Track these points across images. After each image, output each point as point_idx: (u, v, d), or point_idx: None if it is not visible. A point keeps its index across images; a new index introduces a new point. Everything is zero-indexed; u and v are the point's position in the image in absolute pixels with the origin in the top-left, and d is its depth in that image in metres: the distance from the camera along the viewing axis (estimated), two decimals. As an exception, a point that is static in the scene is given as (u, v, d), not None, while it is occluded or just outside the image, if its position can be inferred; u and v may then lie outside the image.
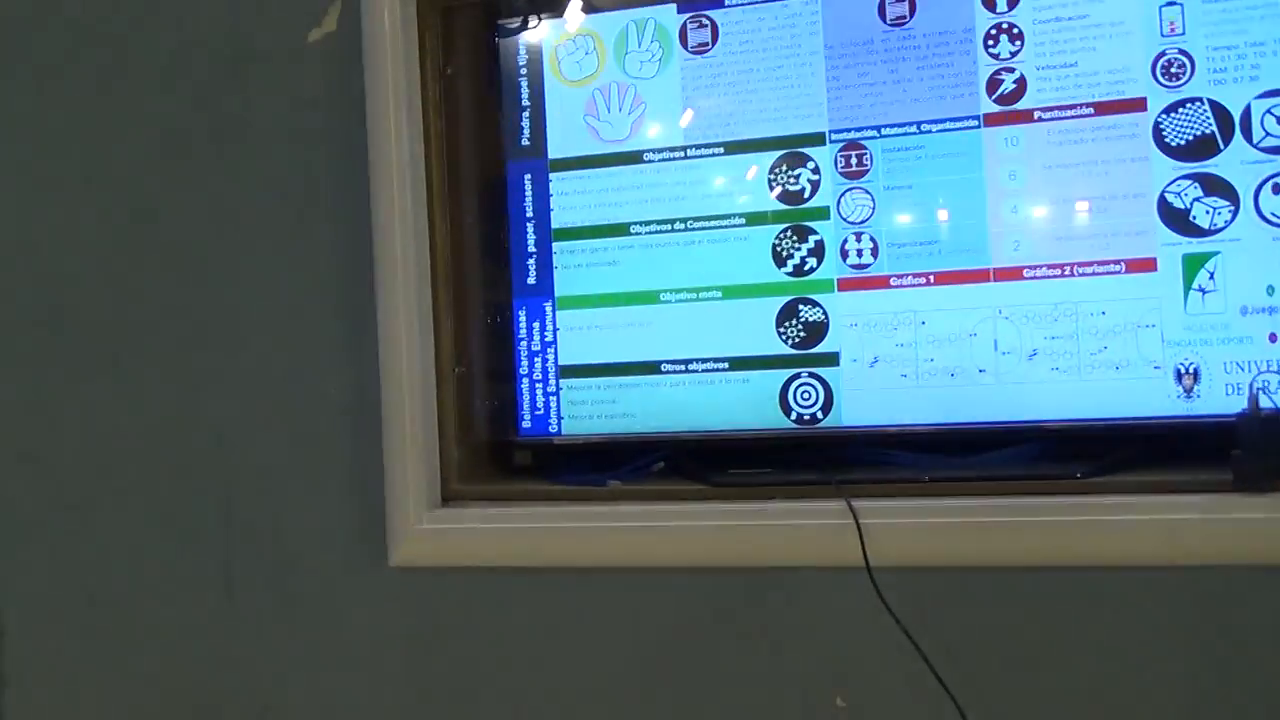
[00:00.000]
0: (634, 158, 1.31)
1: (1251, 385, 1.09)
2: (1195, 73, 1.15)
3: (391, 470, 1.25)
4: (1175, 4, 1.16)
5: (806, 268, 1.25)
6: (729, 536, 1.15)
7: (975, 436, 1.21)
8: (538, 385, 1.34)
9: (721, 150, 1.28)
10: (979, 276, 1.20)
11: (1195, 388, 1.14)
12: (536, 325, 1.34)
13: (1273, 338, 1.13)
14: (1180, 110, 1.15)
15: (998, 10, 1.20)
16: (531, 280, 1.34)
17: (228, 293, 1.32)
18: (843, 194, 1.24)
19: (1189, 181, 1.15)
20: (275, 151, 1.30)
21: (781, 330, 1.25)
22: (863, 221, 1.24)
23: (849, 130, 1.24)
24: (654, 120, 1.30)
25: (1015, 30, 1.19)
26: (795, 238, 1.25)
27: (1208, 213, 1.14)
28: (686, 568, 1.16)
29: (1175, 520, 1.04)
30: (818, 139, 1.25)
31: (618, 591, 1.19)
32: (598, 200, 1.32)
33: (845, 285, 1.24)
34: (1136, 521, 1.07)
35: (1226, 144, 1.14)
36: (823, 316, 1.24)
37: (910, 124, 1.23)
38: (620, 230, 1.31)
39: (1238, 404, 1.13)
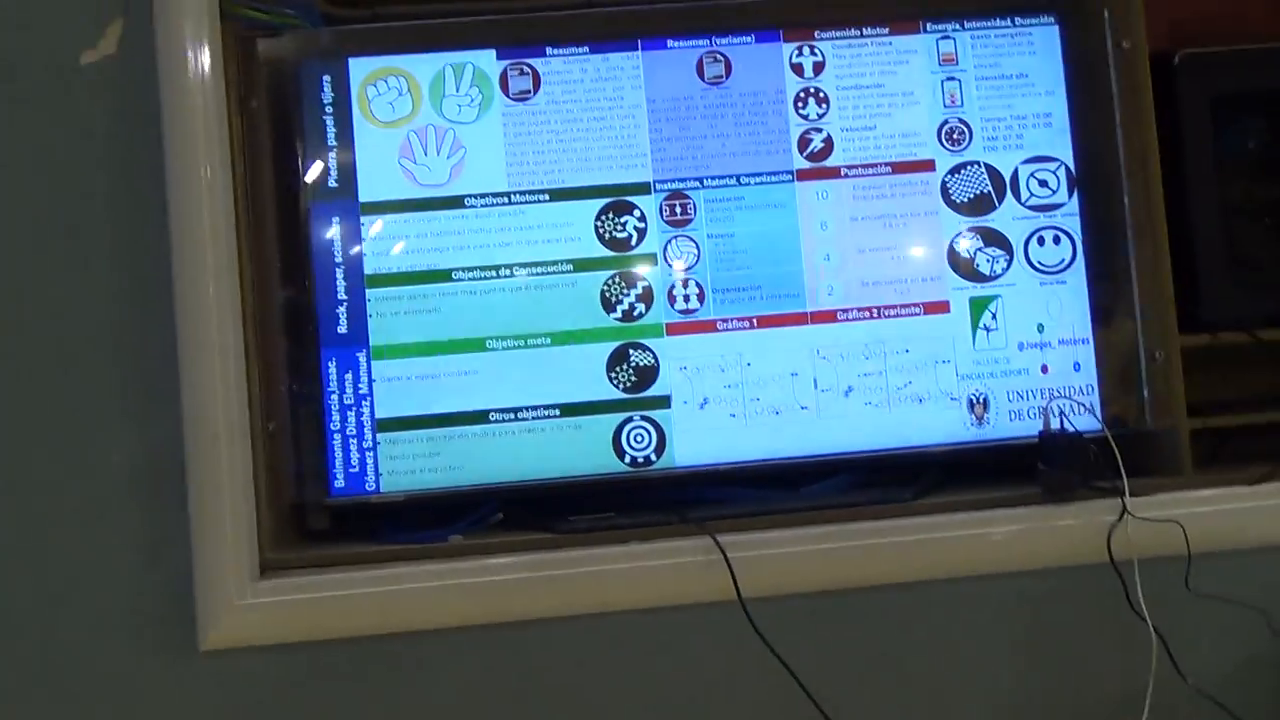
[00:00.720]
0: (455, 203, 1.29)
1: (1045, 410, 1.24)
2: (973, 139, 1.32)
3: (203, 542, 1.13)
4: (954, 79, 1.32)
5: (635, 313, 1.28)
6: (594, 582, 1.14)
7: (800, 470, 1.29)
8: (351, 441, 1.26)
9: (546, 197, 1.29)
10: (798, 319, 1.29)
11: (985, 415, 1.30)
12: (349, 377, 1.27)
13: (1044, 369, 1.31)
14: (962, 171, 1.31)
15: (805, 76, 1.31)
16: (342, 329, 1.27)
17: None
18: (669, 241, 1.29)
19: (972, 234, 1.31)
20: (37, 183, 1.15)
21: (612, 375, 1.28)
22: (689, 268, 1.29)
23: (672, 181, 1.30)
24: (475, 165, 1.29)
25: (821, 94, 1.31)
26: (623, 284, 1.28)
27: (988, 261, 1.31)
28: (551, 618, 1.14)
29: (997, 532, 1.17)
30: (643, 188, 1.30)
31: (482, 650, 1.14)
32: (416, 245, 1.28)
33: (674, 330, 1.29)
34: (963, 536, 1.18)
35: (1000, 202, 1.31)
36: (653, 360, 1.28)
37: (730, 176, 1.30)
38: (441, 276, 1.28)
39: (1022, 428, 1.29)
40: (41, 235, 1.15)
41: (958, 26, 1.32)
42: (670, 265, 1.28)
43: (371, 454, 1.26)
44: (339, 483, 1.26)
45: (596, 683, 1.15)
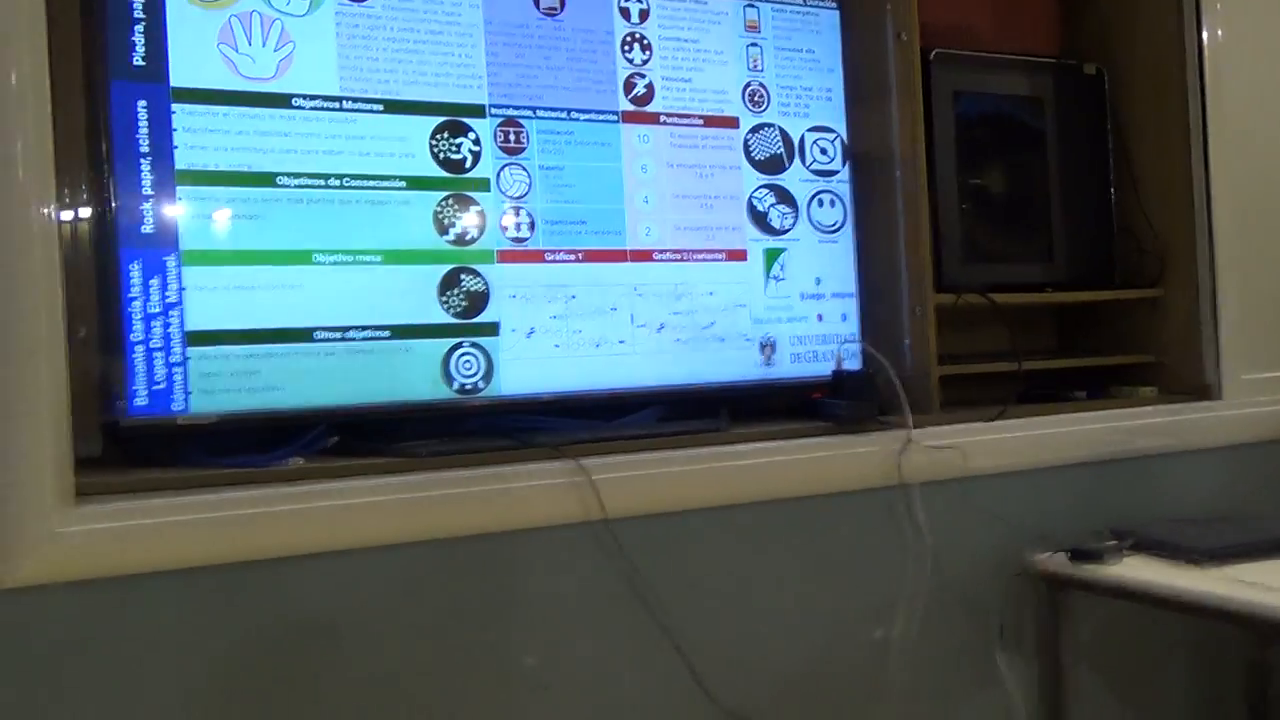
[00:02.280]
0: (281, 100, 1.22)
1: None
2: (771, 103, 1.47)
3: (9, 462, 0.99)
4: (757, 45, 1.47)
5: (468, 237, 1.30)
6: (461, 505, 1.15)
7: (618, 401, 1.37)
8: (157, 354, 1.16)
9: (380, 108, 1.26)
10: (618, 256, 1.37)
11: (773, 356, 1.46)
12: (155, 283, 1.16)
13: (820, 317, 1.50)
14: (760, 132, 1.46)
15: (631, 21, 1.39)
16: (148, 229, 1.16)
17: None
18: (502, 168, 1.32)
19: (767, 190, 1.47)
20: None
21: (444, 299, 1.28)
22: (520, 197, 1.33)
23: (507, 107, 1.32)
24: (304, 63, 1.23)
25: (645, 41, 1.40)
26: (457, 207, 1.29)
27: (779, 216, 1.47)
28: (412, 542, 1.13)
29: (803, 459, 1.33)
30: (478, 110, 1.31)
31: (336, 576, 1.10)
32: (236, 143, 1.20)
33: (504, 257, 1.32)
34: (772, 463, 1.33)
35: (790, 163, 1.48)
36: (484, 286, 1.30)
37: (562, 110, 1.35)
38: (265, 180, 1.21)
39: (802, 369, 1.47)
40: None
41: (761, -2, 1.46)
42: (503, 192, 1.30)
43: (180, 370, 1.16)
44: (140, 400, 1.14)
45: (450, 607, 1.14)
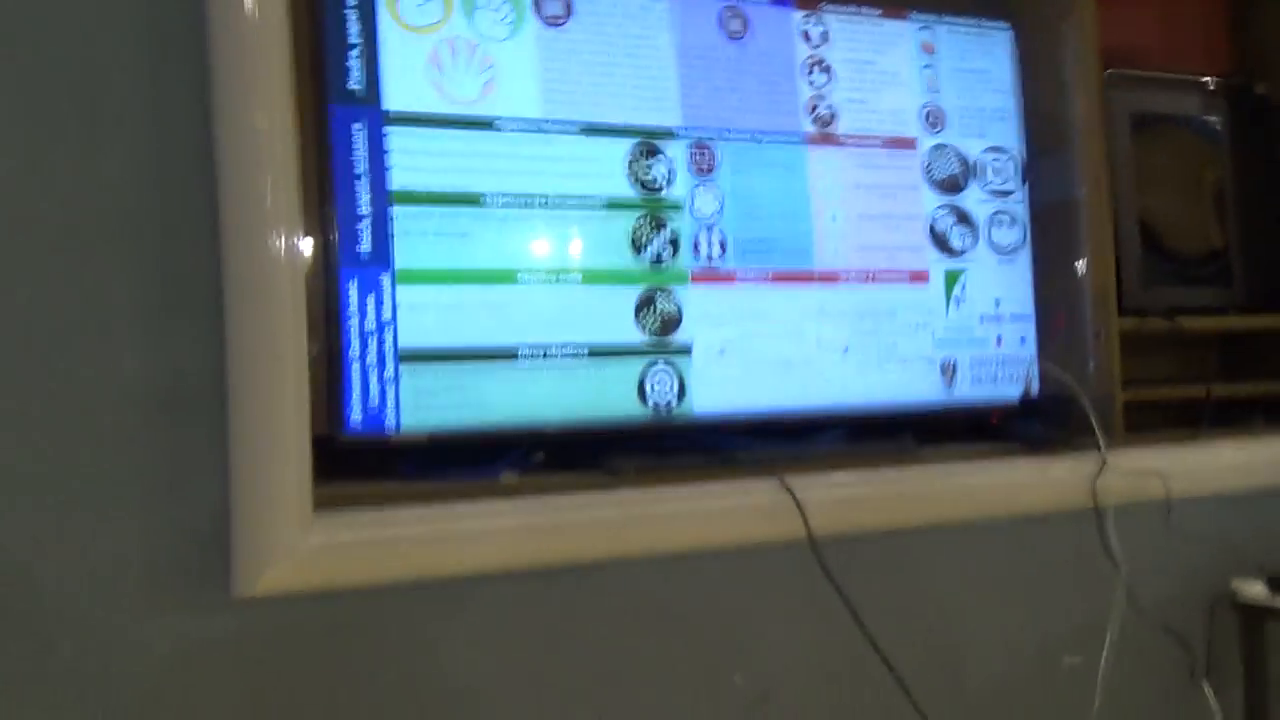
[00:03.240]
0: (485, 124, 1.26)
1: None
2: (948, 124, 1.49)
3: (251, 474, 1.03)
4: (932, 67, 1.50)
5: (663, 258, 1.33)
6: (671, 523, 1.17)
7: (806, 422, 1.39)
8: (371, 372, 1.20)
9: (578, 130, 1.30)
10: (806, 277, 1.40)
11: (954, 379, 1.47)
12: (371, 301, 1.20)
13: (999, 340, 1.51)
14: (939, 152, 1.49)
15: (813, 44, 1.43)
16: (364, 248, 1.21)
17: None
18: (695, 189, 1.35)
19: (946, 210, 1.48)
20: (78, 85, 1.00)
21: (640, 319, 1.31)
22: (712, 218, 1.36)
23: (698, 129, 1.36)
24: (507, 87, 1.27)
25: (826, 64, 1.43)
26: (653, 227, 1.32)
27: (959, 237, 1.49)
28: (625, 559, 1.15)
29: (999, 481, 1.34)
30: (670, 134, 1.34)
31: (556, 592, 1.12)
32: (446, 164, 1.24)
33: (698, 278, 1.34)
34: (968, 485, 1.34)
35: (968, 184, 1.50)
36: (677, 307, 1.33)
37: (749, 132, 1.39)
38: (473, 200, 1.25)
39: (982, 392, 1.47)
40: (64, 117, 0.99)
41: (936, 19, 1.49)
42: (696, 213, 1.33)
43: (393, 387, 1.19)
44: (355, 417, 1.18)
45: (662, 624, 1.16)
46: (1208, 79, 1.62)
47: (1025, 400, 1.39)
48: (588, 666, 1.13)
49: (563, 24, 1.28)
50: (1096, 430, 1.35)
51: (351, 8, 1.21)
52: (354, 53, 1.20)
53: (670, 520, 1.16)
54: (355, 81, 1.20)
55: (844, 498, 1.23)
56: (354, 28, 1.20)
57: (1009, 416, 1.41)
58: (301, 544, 1.02)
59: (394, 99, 1.21)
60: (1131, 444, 1.41)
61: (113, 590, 0.98)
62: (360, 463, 1.20)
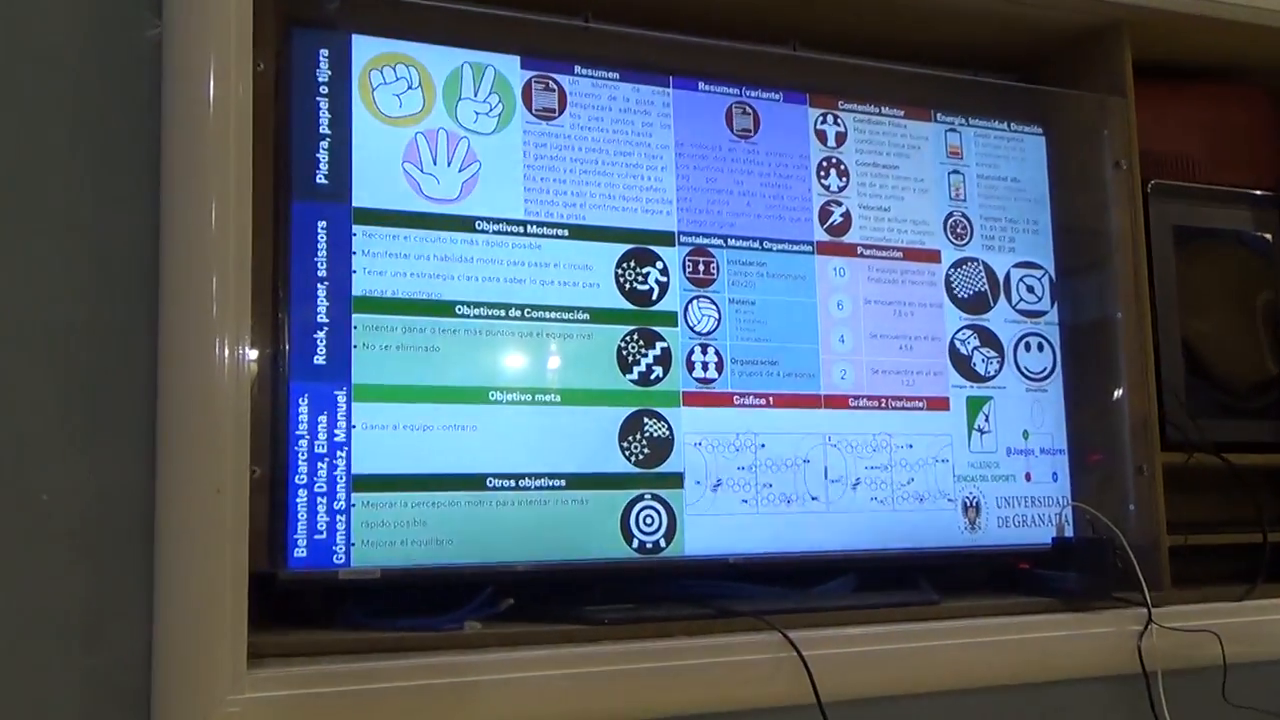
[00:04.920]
0: (465, 225, 1.19)
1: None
2: (974, 235, 1.42)
3: (181, 620, 0.94)
4: (959, 173, 1.43)
5: (653, 376, 1.24)
6: (655, 683, 1.07)
7: (811, 566, 1.29)
8: (320, 500, 1.11)
9: (565, 233, 1.23)
10: (812, 402, 1.31)
11: (978, 520, 1.38)
12: (324, 419, 1.12)
13: (1028, 476, 1.41)
14: (963, 267, 1.41)
15: (828, 144, 1.36)
16: (320, 359, 1.12)
17: None
18: (690, 301, 1.27)
19: (970, 331, 1.40)
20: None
21: (625, 445, 1.22)
22: (708, 333, 1.27)
23: (697, 235, 1.28)
24: (490, 185, 1.20)
25: (842, 166, 1.36)
26: (642, 342, 1.24)
27: (984, 361, 1.40)
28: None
29: (1031, 640, 1.24)
30: (667, 238, 1.27)
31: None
32: (416, 269, 1.17)
33: (690, 400, 1.26)
34: (996, 643, 1.24)
35: (995, 302, 1.42)
36: (668, 432, 1.24)
37: (754, 239, 1.31)
38: (444, 309, 1.17)
39: (1010, 535, 1.38)
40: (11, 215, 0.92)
41: (963, 121, 1.42)
42: (690, 327, 1.25)
43: (344, 518, 1.10)
44: (300, 551, 1.09)
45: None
46: (1258, 191, 1.55)
47: (1058, 545, 1.29)
48: None
49: (554, 118, 1.22)
50: (1141, 582, 1.24)
51: (323, 96, 1.13)
52: (323, 144, 1.13)
53: (657, 679, 1.07)
54: (323, 175, 1.12)
55: (856, 656, 1.13)
56: (325, 118, 1.13)
57: (1040, 563, 1.31)
58: (233, 703, 0.91)
59: (365, 195, 1.14)
60: (1181, 598, 1.31)
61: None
62: (304, 604, 1.11)
